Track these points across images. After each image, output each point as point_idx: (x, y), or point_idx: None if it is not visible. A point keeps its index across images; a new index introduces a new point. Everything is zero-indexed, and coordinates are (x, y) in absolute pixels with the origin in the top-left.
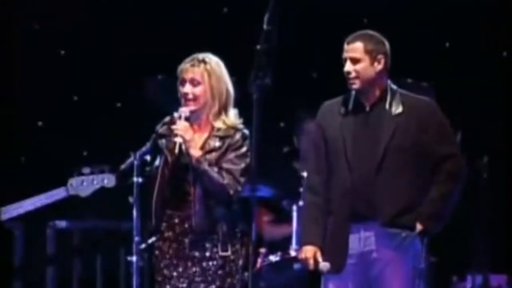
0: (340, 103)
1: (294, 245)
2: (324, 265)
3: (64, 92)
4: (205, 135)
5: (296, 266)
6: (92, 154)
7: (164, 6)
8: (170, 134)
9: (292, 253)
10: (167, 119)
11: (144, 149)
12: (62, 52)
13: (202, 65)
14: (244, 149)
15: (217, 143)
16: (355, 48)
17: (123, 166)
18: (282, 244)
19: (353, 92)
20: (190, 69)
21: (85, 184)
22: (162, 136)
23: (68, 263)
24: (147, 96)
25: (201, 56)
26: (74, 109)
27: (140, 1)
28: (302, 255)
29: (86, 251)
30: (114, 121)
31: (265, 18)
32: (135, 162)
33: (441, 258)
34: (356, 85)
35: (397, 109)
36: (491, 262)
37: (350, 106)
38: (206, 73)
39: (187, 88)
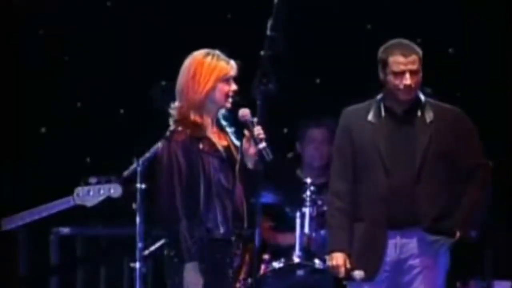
0: (365, 110)
1: (297, 251)
2: (358, 273)
3: (67, 98)
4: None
5: (299, 272)
6: (95, 161)
7: (167, 11)
8: (209, 150)
9: (296, 259)
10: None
11: (147, 155)
12: (66, 58)
13: None
14: None
15: None
16: (414, 60)
17: (126, 173)
18: (285, 251)
19: (378, 98)
20: (234, 66)
21: (92, 194)
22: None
23: (72, 269)
24: (151, 102)
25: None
26: (77, 115)
27: (144, 7)
28: (333, 262)
29: (90, 257)
30: (117, 127)
31: (269, 24)
32: (138, 169)
33: None
34: (411, 95)
35: (429, 117)
36: (494, 268)
37: (382, 113)
38: None
39: (235, 86)
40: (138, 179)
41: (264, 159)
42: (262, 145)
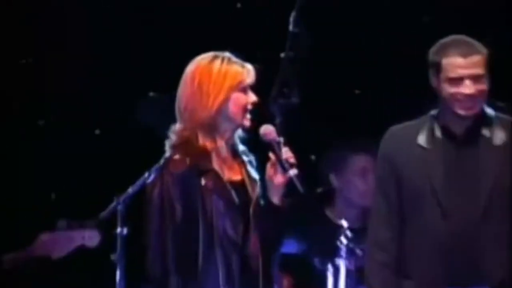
0: (416, 130)
1: None
2: None
3: (33, 117)
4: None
5: None
6: (62, 199)
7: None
8: (214, 187)
9: None
10: (161, 161)
11: (131, 190)
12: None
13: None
14: None
15: None
16: (476, 62)
17: (104, 214)
18: None
19: (431, 114)
20: (252, 71)
21: (59, 242)
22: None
23: None
24: (138, 119)
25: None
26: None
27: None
28: None
29: None
30: (91, 153)
31: (291, 18)
32: (119, 208)
33: None
34: (475, 110)
35: (500, 137)
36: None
37: (437, 134)
38: None
39: (254, 97)
40: (119, 222)
41: (295, 191)
42: (293, 171)
